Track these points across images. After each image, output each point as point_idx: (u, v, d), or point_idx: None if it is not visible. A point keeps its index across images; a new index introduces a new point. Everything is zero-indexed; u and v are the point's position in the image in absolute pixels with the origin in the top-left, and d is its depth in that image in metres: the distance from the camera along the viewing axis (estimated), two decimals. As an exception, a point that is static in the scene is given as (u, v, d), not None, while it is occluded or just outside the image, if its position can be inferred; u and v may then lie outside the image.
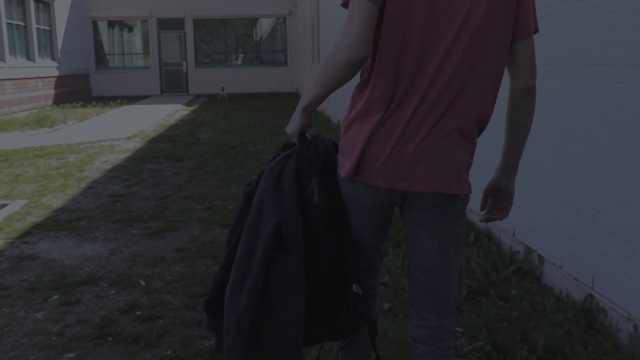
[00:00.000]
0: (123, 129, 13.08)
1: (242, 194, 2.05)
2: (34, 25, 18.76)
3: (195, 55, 25.14)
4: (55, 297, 3.79)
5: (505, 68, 1.89)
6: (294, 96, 22.65)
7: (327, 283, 1.93)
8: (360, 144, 1.82)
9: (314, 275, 1.92)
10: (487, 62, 1.81)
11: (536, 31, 1.88)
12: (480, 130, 1.91)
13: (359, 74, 1.88)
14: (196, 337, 3.24)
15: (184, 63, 25.15)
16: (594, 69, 3.32)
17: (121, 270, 4.24)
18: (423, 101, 1.78)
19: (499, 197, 2.08)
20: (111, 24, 25.28)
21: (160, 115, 16.27)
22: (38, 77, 18.74)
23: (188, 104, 20.16)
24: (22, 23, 18.17)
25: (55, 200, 6.44)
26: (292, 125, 1.98)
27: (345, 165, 1.88)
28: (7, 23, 16.86)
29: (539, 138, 3.84)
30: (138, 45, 26.04)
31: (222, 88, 22.56)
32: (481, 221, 2.15)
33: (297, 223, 1.88)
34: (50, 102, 19.67)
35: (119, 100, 20.70)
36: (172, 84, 25.27)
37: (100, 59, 25.19)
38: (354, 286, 1.92)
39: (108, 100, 21.73)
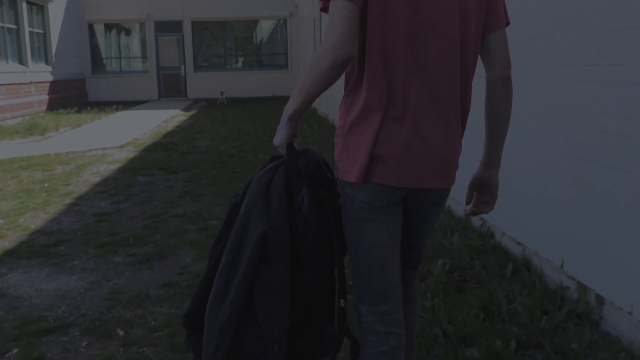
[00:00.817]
0: (117, 137, 12.44)
1: (228, 205, 2.01)
2: (27, 29, 18.12)
3: (193, 58, 24.49)
4: (15, 351, 3.13)
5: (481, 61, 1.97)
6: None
7: (313, 297, 1.89)
8: (367, 146, 1.81)
9: (300, 288, 1.86)
10: (468, 55, 1.88)
11: (507, 24, 1.94)
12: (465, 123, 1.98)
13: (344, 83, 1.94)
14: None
15: (183, 67, 24.51)
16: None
17: (97, 313, 3.58)
18: (420, 97, 1.82)
19: (483, 191, 2.12)
20: (108, 27, 24.65)
21: (156, 122, 15.63)
22: (31, 82, 18.10)
23: (186, 109, 19.52)
24: (14, 26, 17.53)
25: (34, 220, 5.79)
26: (279, 136, 1.93)
27: (352, 170, 1.85)
28: (-2, 26, 16.23)
29: (600, 154, 3.20)
30: (135, 48, 25.41)
31: (222, 92, 21.93)
32: (467, 215, 2.20)
33: (285, 233, 1.82)
34: (44, 108, 19.02)
35: (114, 106, 20.06)
36: (170, 88, 24.62)
37: (97, 63, 24.55)
38: (341, 301, 1.90)
39: (104, 105, 21.09)
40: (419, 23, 1.79)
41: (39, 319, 3.51)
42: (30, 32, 18.53)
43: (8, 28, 17.10)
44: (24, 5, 17.98)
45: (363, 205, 1.86)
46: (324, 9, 1.83)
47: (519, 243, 4.14)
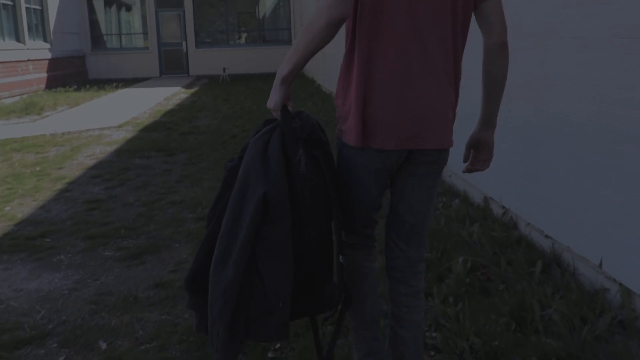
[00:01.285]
0: (115, 116, 12.02)
1: (224, 169, 2.02)
2: (24, 5, 17.61)
3: (195, 34, 23.94)
4: (-17, 367, 2.77)
5: (478, 27, 2.01)
6: (300, 77, 21.50)
7: (313, 255, 1.94)
8: (362, 110, 1.89)
9: (301, 247, 1.90)
10: (459, 25, 1.94)
11: None
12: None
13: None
14: None
15: (184, 43, 23.98)
16: None
17: (79, 320, 3.20)
18: (417, 61, 1.88)
19: (480, 149, 2.18)
20: (107, 3, 24.10)
21: (157, 100, 15.20)
22: (29, 60, 17.63)
23: (187, 87, 19.06)
24: (9, 2, 17.02)
25: (21, 209, 5.41)
26: (273, 99, 1.95)
27: (351, 134, 1.94)
28: (-8, 2, 15.74)
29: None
30: (136, 25, 24.88)
31: (224, 69, 21.44)
32: (463, 172, 2.24)
33: (284, 193, 1.85)
34: (42, 86, 18.58)
35: (114, 84, 19.60)
36: (172, 65, 24.12)
37: (97, 40, 24.03)
38: (340, 257, 2.00)
39: (104, 83, 20.64)
40: None
41: (15, 327, 3.14)
42: (27, 8, 18.02)
43: (3, 4, 16.60)
44: (20, -20, 17.46)
45: (362, 168, 1.99)
46: None
47: (547, 236, 3.74)
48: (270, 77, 21.90)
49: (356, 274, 2.20)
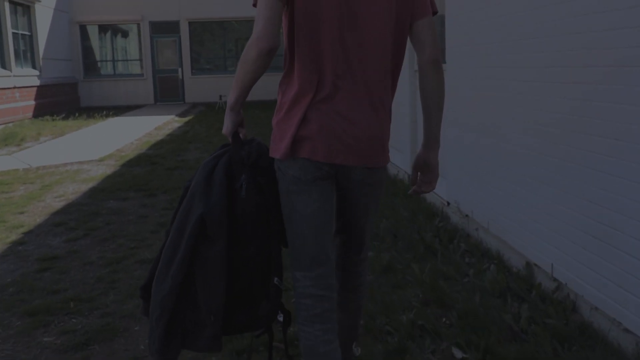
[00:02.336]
0: (99, 148, 11.12)
1: (182, 188, 2.16)
2: (10, 30, 16.83)
3: (191, 61, 23.16)
4: None
5: (412, 46, 2.14)
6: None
7: (250, 272, 2.07)
8: (294, 126, 2.01)
9: (237, 265, 2.04)
10: (392, 42, 2.07)
11: (435, 12, 2.11)
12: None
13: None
14: None
15: (180, 70, 23.19)
16: None
17: None
18: (350, 82, 2.02)
19: (425, 171, 2.22)
20: (102, 29, 23.37)
21: (147, 129, 14.32)
22: (15, 87, 16.78)
23: (182, 115, 18.21)
24: (-5, 27, 16.26)
25: (-41, 269, 4.47)
26: (225, 126, 2.13)
27: (280, 148, 2.05)
28: (-24, 27, 14.93)
29: None
30: (130, 51, 24.15)
31: (220, 96, 20.59)
32: (410, 194, 2.30)
33: (221, 215, 1.99)
34: (30, 114, 17.72)
35: (104, 112, 18.73)
36: (167, 92, 23.29)
37: (89, 66, 23.26)
38: (275, 279, 2.09)
39: (96, 111, 19.74)
40: (349, 18, 1.99)
41: None
42: (14, 33, 17.24)
43: (-12, 29, 15.81)
44: (6, 5, 16.68)
45: (293, 179, 2.06)
46: (255, 4, 1.98)
47: (627, 331, 2.79)
48: (269, 104, 21.05)
49: (313, 353, 2.10)
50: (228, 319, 2.03)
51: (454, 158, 5.12)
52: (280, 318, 2.21)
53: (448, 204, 5.28)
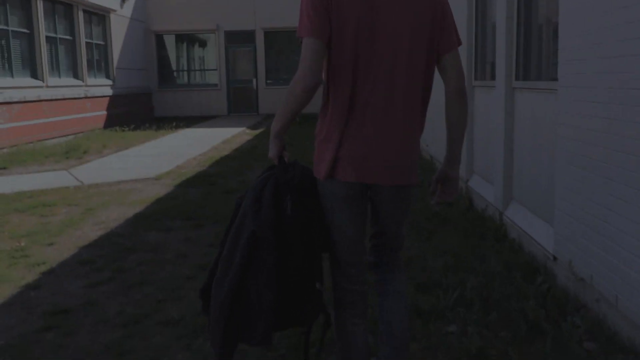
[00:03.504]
0: (159, 164, 10.47)
1: (235, 205, 2.46)
2: (83, 40, 16.63)
3: (266, 71, 22.55)
4: None
5: (440, 76, 2.41)
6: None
7: (295, 279, 2.36)
8: (332, 150, 2.32)
9: (286, 272, 2.33)
10: (423, 72, 2.33)
11: (459, 44, 2.37)
12: (421, 130, 2.44)
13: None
14: None
15: (254, 80, 22.62)
16: None
17: None
18: (378, 111, 2.29)
19: (446, 183, 2.51)
20: (180, 38, 23.13)
21: (214, 142, 13.66)
22: (86, 97, 16.55)
23: (253, 127, 17.55)
24: (68, 37, 16.05)
25: (-48, 322, 3.71)
26: (271, 151, 2.41)
27: (320, 170, 2.37)
28: (48, 37, 14.69)
29: None
30: (205, 61, 23.82)
31: (294, 108, 19.81)
32: (432, 204, 2.83)
33: (270, 231, 2.28)
34: (101, 124, 17.48)
35: (174, 123, 18.28)
36: (241, 103, 22.74)
37: (165, 76, 23.03)
38: (317, 284, 2.39)
39: (169, 121, 19.36)
40: (374, 51, 2.26)
41: None
42: (87, 43, 17.04)
43: (61, 39, 15.59)
44: (81, 15, 16.49)
45: (331, 196, 2.38)
46: (300, 41, 2.26)
47: None
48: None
49: (344, 335, 2.54)
50: (277, 317, 2.32)
51: (564, 199, 4.00)
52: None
53: (554, 258, 4.14)
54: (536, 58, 5.10)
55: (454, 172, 2.49)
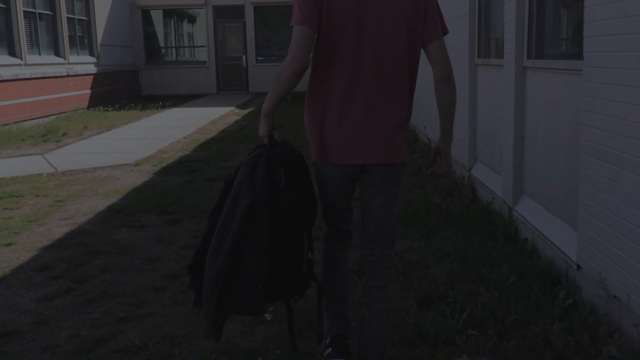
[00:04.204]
0: (141, 147, 9.86)
1: (223, 182, 2.56)
2: (65, 15, 15.84)
3: (256, 48, 21.79)
4: None
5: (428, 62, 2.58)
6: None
7: (288, 250, 2.45)
8: (322, 135, 2.51)
9: (279, 243, 2.41)
10: (407, 56, 2.50)
11: (445, 33, 2.55)
12: (410, 113, 2.61)
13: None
14: None
15: (244, 57, 21.87)
16: None
17: None
18: (366, 96, 2.46)
19: (441, 157, 2.71)
20: (167, 13, 22.33)
21: (201, 123, 13.03)
22: (68, 76, 15.81)
23: (242, 106, 16.89)
24: (48, 12, 15.28)
25: None
26: (261, 129, 2.51)
27: (312, 152, 2.57)
28: (26, 12, 13.92)
29: None
30: (193, 37, 23.04)
31: (285, 86, 19.13)
32: (426, 174, 2.87)
33: (265, 203, 2.37)
34: (85, 104, 16.77)
35: (160, 103, 17.59)
36: (230, 80, 22.01)
37: (152, 53, 22.25)
38: (309, 253, 2.57)
39: (156, 100, 18.63)
40: (361, 39, 2.44)
41: None
42: (69, 18, 16.27)
43: (40, 14, 14.82)
44: (61, -13, 15.69)
45: (323, 176, 2.60)
46: (291, 28, 2.42)
47: None
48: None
49: (329, 259, 2.81)
50: (270, 287, 2.40)
51: (590, 199, 3.43)
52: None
53: (578, 267, 3.58)
54: (553, 32, 4.50)
55: (448, 148, 2.69)
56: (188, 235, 5.01)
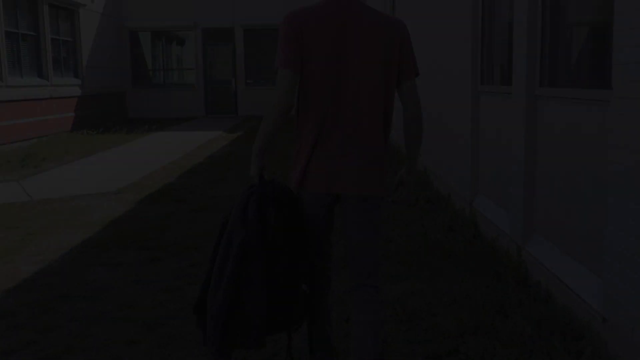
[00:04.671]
0: (123, 174, 9.42)
1: (220, 224, 2.61)
2: (49, 36, 15.46)
3: (245, 71, 21.48)
4: None
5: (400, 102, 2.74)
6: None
7: (284, 281, 2.53)
8: (303, 163, 2.61)
9: (274, 278, 2.50)
10: (380, 96, 2.61)
11: (417, 74, 2.68)
12: (387, 149, 2.71)
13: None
14: None
15: (233, 80, 21.55)
16: None
17: None
18: (343, 130, 2.57)
19: (402, 186, 2.88)
20: (156, 35, 22.01)
21: (188, 148, 12.62)
22: (52, 98, 15.40)
23: (231, 130, 16.51)
24: (32, 33, 14.89)
25: None
26: (252, 169, 2.63)
27: (295, 180, 2.65)
28: (8, 32, 13.52)
29: None
30: (182, 60, 22.71)
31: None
32: (391, 201, 2.78)
33: (258, 241, 2.47)
34: (69, 127, 16.33)
35: (146, 126, 17.17)
36: (219, 104, 21.67)
37: (140, 75, 21.88)
38: (304, 286, 2.61)
39: (143, 123, 18.21)
40: (340, 82, 2.56)
41: None
42: (53, 39, 15.88)
43: (23, 35, 14.42)
44: (46, 9, 15.32)
45: (306, 202, 2.66)
46: (276, 69, 2.56)
47: None
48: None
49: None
50: (270, 320, 2.49)
51: (619, 244, 3.04)
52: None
53: (604, 320, 3.18)
54: (571, 58, 4.15)
55: (409, 179, 2.86)
56: (168, 276, 4.57)
